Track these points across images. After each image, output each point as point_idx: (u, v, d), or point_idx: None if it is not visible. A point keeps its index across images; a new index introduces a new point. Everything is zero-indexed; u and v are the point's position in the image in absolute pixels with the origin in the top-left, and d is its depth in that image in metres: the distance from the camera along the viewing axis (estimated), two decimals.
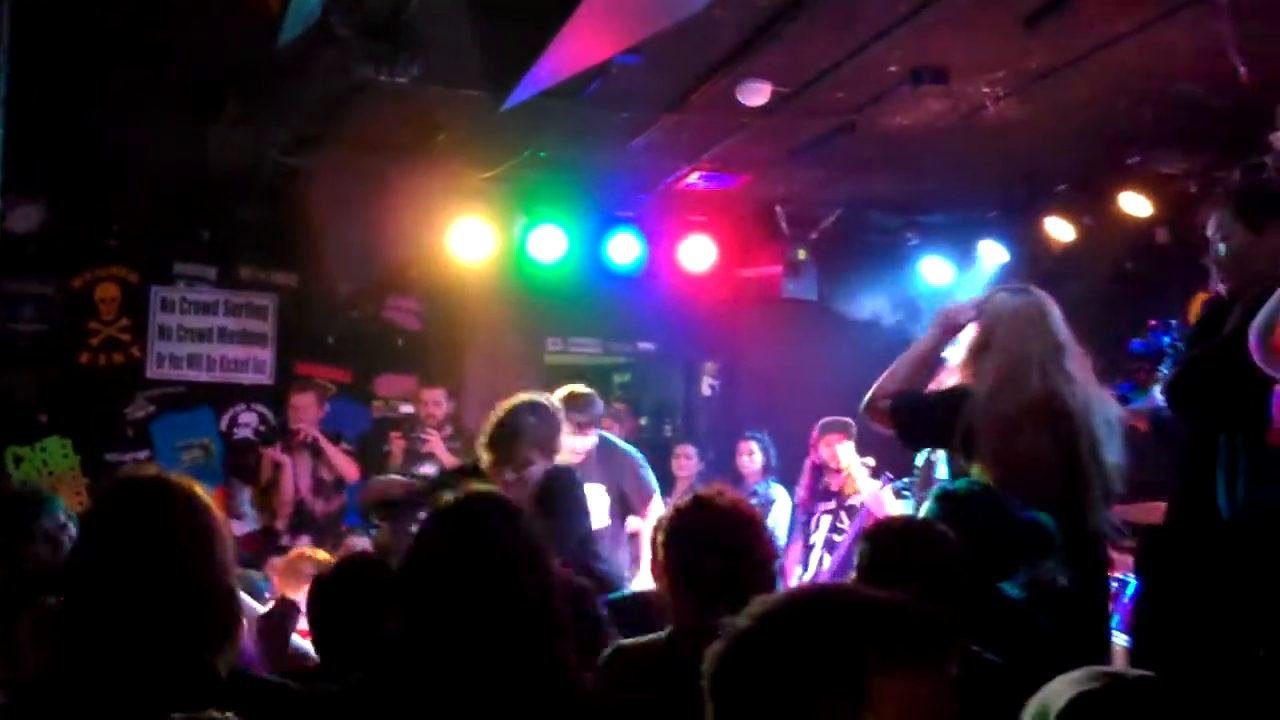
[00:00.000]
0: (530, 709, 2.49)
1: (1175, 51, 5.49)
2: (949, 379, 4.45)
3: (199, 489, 2.60)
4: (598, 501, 6.03)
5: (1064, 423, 4.17)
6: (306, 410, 8.31)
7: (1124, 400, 4.69)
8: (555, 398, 5.73)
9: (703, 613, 2.97)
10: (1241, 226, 3.65)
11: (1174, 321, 4.80)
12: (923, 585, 3.22)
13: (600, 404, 6.22)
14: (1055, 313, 4.36)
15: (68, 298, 8.25)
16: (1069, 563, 3.95)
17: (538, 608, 2.56)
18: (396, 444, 8.14)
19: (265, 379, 8.74)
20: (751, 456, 8.20)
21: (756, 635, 1.64)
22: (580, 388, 6.12)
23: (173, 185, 7.72)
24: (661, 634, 3.12)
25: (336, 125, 5.90)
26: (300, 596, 5.09)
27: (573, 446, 5.89)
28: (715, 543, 3.13)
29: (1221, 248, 3.70)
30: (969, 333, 4.43)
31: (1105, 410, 4.33)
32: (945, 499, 3.80)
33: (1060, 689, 2.57)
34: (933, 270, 8.94)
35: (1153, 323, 4.71)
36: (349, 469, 8.15)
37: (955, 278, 8.83)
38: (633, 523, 6.37)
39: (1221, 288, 3.74)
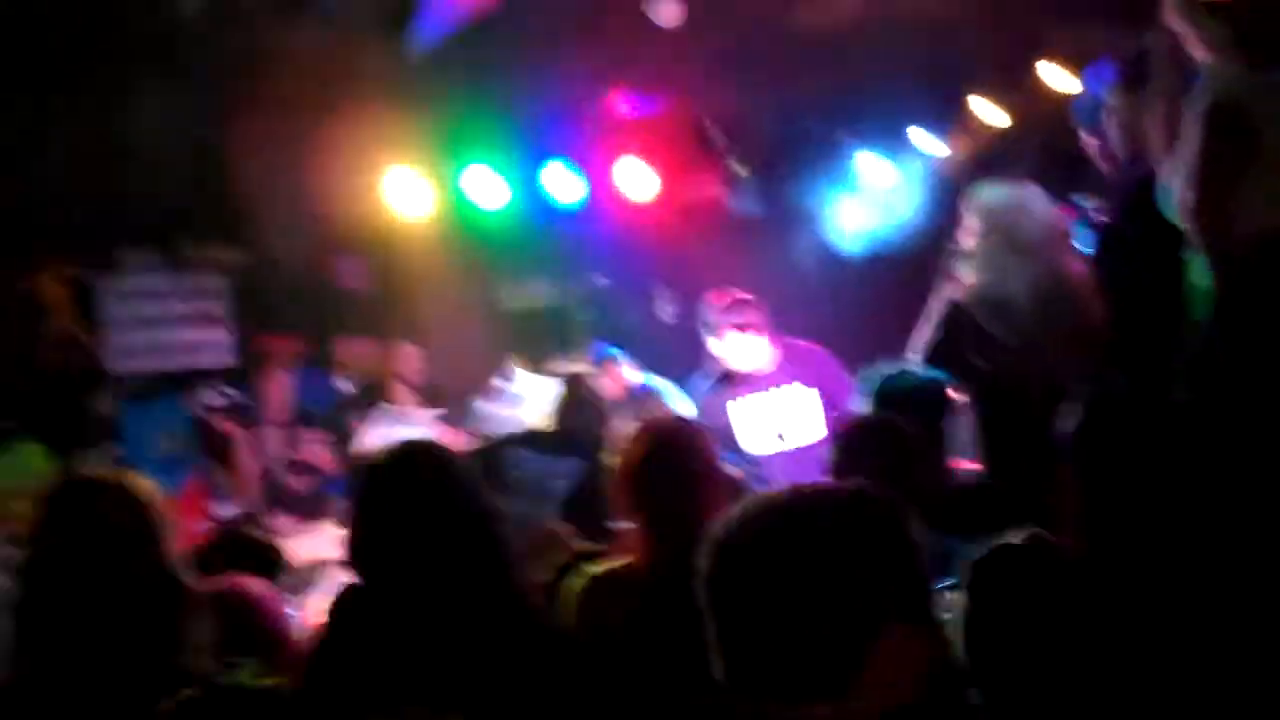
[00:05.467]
0: (491, 637, 2.58)
1: None
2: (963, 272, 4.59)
3: (135, 482, 2.63)
4: (809, 408, 5.76)
5: (1081, 296, 4.35)
6: (281, 388, 8.31)
7: None
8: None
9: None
10: (1123, 90, 3.84)
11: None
12: (889, 478, 3.40)
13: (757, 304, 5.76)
14: (1046, 199, 4.53)
15: (15, 301, 8.19)
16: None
17: (482, 547, 2.65)
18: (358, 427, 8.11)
19: (226, 358, 8.72)
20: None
21: None
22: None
23: (102, 175, 7.65)
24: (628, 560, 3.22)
25: (254, 92, 5.87)
26: None
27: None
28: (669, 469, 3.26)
29: (1113, 112, 3.88)
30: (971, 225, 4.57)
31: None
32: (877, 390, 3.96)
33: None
34: (870, 168, 8.97)
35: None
36: (328, 464, 8.15)
37: (895, 172, 8.87)
38: None
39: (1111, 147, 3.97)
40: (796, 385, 5.79)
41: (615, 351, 8.26)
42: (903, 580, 1.66)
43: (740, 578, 1.66)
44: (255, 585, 3.26)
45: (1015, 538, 2.61)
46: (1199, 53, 3.36)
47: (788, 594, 1.62)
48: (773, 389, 5.79)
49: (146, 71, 5.92)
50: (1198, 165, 3.19)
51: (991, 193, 4.61)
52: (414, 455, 2.82)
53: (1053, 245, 4.41)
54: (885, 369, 4.28)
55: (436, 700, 2.48)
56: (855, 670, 1.59)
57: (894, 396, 3.98)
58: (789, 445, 5.75)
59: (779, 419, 5.77)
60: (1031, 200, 4.52)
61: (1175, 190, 3.34)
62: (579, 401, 5.20)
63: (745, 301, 5.77)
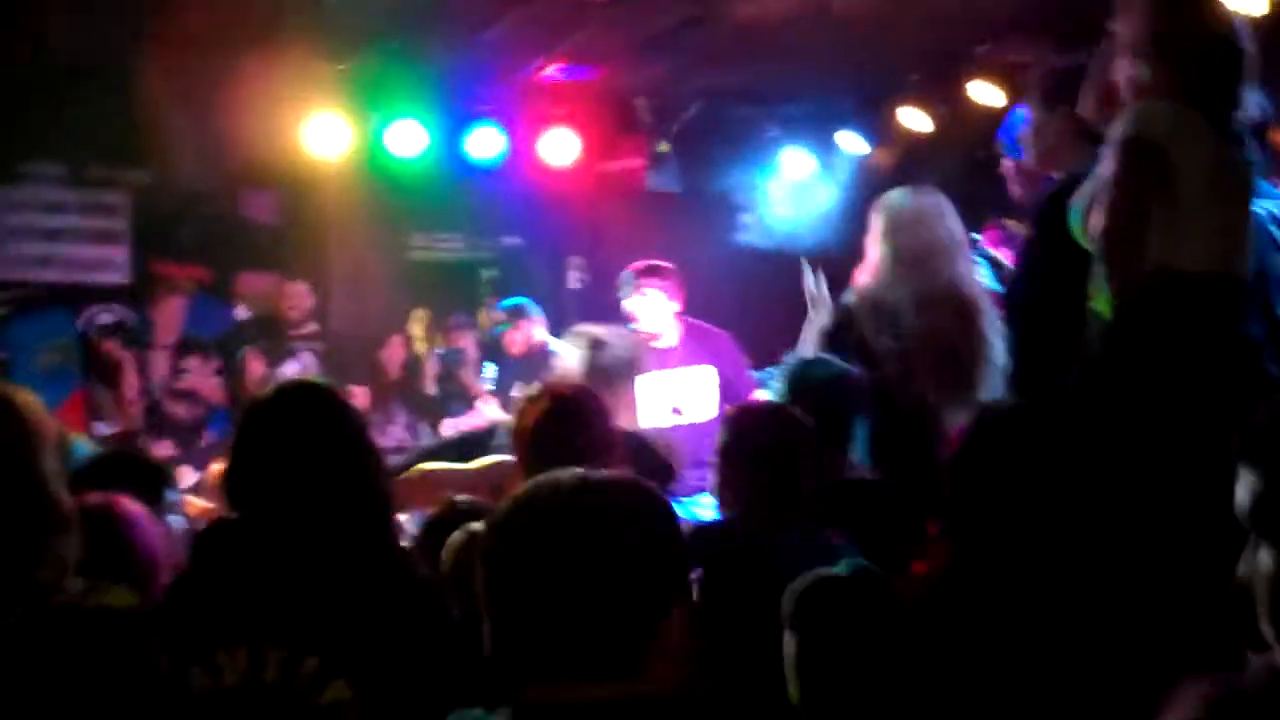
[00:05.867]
0: (356, 582, 2.57)
1: None
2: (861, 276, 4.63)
3: (17, 395, 2.59)
4: (706, 387, 5.87)
5: (964, 312, 4.39)
6: (173, 314, 8.21)
7: None
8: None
9: None
10: (1040, 105, 3.90)
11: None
12: (778, 468, 3.41)
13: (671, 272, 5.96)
14: (952, 211, 4.56)
15: None
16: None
17: (361, 491, 2.65)
18: (254, 362, 8.01)
19: (121, 278, 8.57)
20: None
21: None
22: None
23: (12, 82, 7.48)
24: None
25: (177, 17, 5.78)
26: None
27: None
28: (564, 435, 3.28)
29: (1027, 125, 3.95)
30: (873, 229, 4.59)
31: (991, 308, 4.55)
32: (791, 378, 3.98)
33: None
34: (793, 162, 9.02)
35: None
36: (213, 392, 8.05)
37: (816, 169, 8.94)
38: None
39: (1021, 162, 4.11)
40: (697, 364, 5.89)
41: (527, 304, 8.22)
42: (678, 569, 1.73)
43: (514, 561, 1.70)
44: (132, 506, 3.22)
45: (839, 569, 2.65)
46: (1127, 81, 3.39)
47: (559, 578, 1.66)
48: (675, 366, 5.89)
49: None
50: (1113, 193, 3.23)
51: (894, 198, 4.63)
52: (298, 394, 2.81)
53: (941, 259, 4.44)
54: (801, 357, 4.29)
55: (292, 639, 2.49)
56: (633, 653, 1.65)
57: (803, 386, 3.97)
58: (684, 420, 5.82)
59: (677, 395, 5.87)
60: (931, 211, 4.53)
61: (1084, 214, 3.39)
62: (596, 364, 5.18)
63: (663, 267, 5.93)
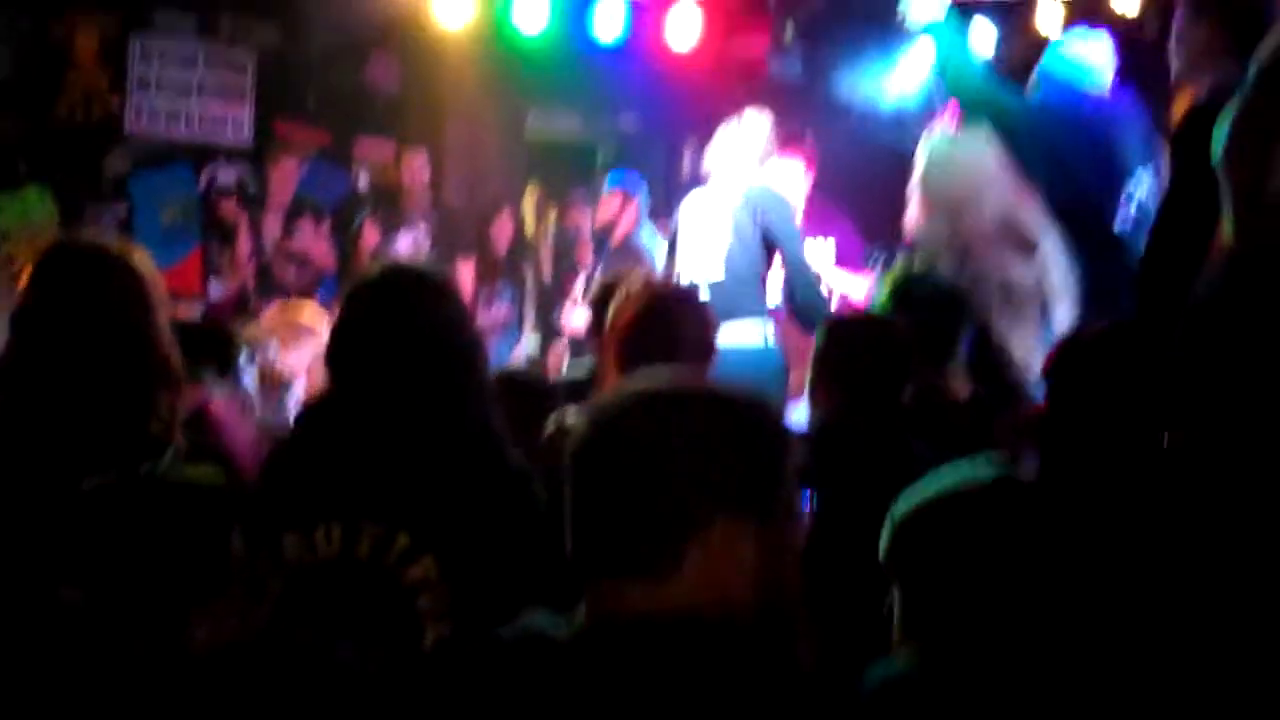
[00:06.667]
0: (453, 469, 2.61)
1: None
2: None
3: (135, 255, 2.67)
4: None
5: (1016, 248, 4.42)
6: (290, 176, 8.30)
7: None
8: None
9: None
10: (1189, 12, 3.80)
11: None
12: (871, 378, 3.40)
13: None
14: (994, 149, 4.60)
15: (44, 44, 8.12)
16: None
17: (459, 378, 2.67)
18: (369, 230, 8.06)
19: (244, 137, 8.68)
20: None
21: None
22: None
23: None
24: None
25: None
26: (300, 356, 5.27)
27: None
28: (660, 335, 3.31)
29: (1174, 32, 3.85)
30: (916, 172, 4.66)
31: (1050, 239, 4.53)
32: (895, 289, 3.95)
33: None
34: (923, 55, 8.80)
35: None
36: (324, 256, 8.11)
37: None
38: None
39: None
40: (816, 239, 5.95)
41: (633, 181, 8.10)
42: (723, 483, 1.68)
43: (591, 460, 1.72)
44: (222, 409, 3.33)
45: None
46: None
47: (628, 477, 1.67)
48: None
49: None
50: (1241, 114, 3.11)
51: (932, 144, 4.73)
52: (404, 277, 2.81)
53: (979, 204, 4.42)
54: (909, 266, 4.27)
55: (385, 517, 2.53)
56: (668, 556, 1.65)
57: (907, 296, 3.96)
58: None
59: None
60: (967, 156, 4.57)
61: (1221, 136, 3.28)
62: None
63: (800, 138, 6.04)
